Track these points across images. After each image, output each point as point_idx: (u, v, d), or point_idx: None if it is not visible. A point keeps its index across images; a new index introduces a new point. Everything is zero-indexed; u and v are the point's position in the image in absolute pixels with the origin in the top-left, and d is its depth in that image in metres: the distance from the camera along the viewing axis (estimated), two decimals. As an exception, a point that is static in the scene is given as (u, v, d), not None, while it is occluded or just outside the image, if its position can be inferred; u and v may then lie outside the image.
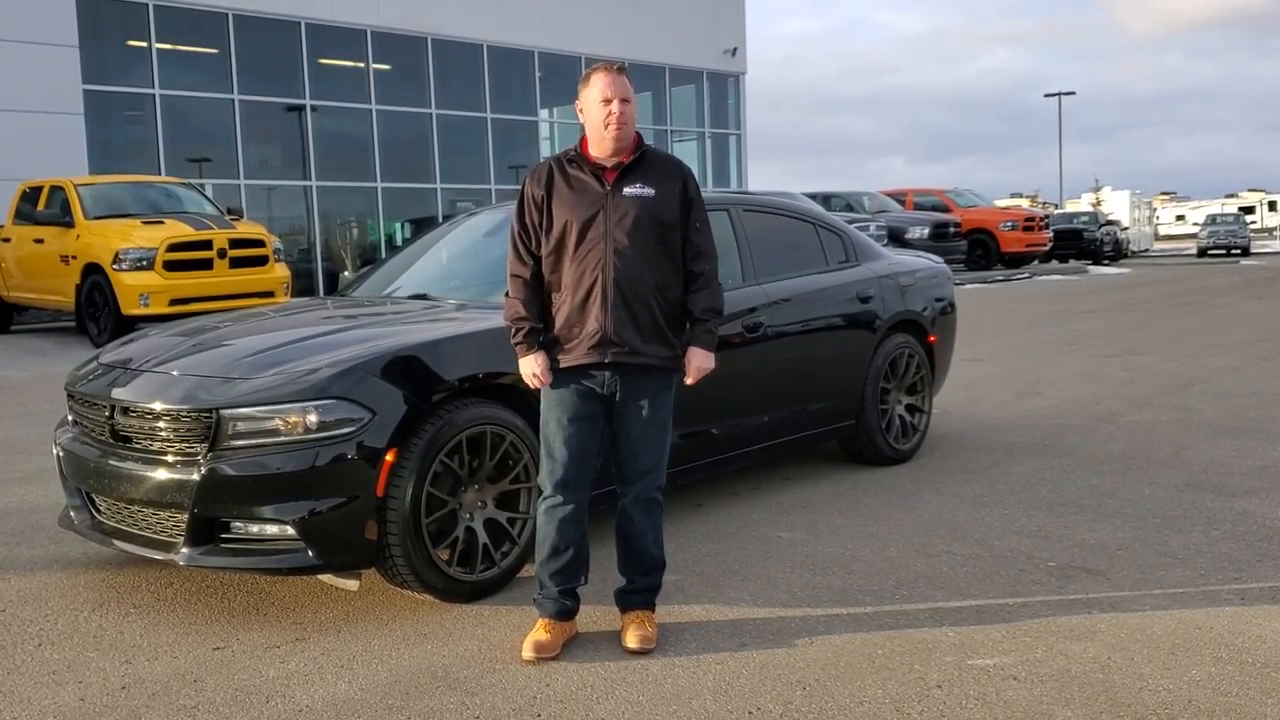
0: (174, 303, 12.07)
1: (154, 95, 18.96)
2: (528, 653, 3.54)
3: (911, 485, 5.75)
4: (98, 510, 4.27)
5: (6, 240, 14.14)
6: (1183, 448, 6.51)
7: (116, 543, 4.12)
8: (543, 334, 3.60)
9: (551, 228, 3.57)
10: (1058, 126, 69.32)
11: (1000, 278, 24.33)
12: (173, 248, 12.40)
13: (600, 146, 3.58)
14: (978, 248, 25.93)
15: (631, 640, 3.62)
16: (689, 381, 3.66)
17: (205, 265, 12.65)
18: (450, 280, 5.34)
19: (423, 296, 5.10)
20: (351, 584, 4.00)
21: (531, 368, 3.59)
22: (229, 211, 14.36)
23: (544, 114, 26.54)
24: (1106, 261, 32.99)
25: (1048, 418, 7.57)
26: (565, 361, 3.56)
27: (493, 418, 4.09)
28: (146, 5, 18.74)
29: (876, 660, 3.50)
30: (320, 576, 4.08)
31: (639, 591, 3.76)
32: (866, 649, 3.59)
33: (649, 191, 3.55)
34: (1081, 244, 32.73)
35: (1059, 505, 5.29)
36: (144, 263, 12.25)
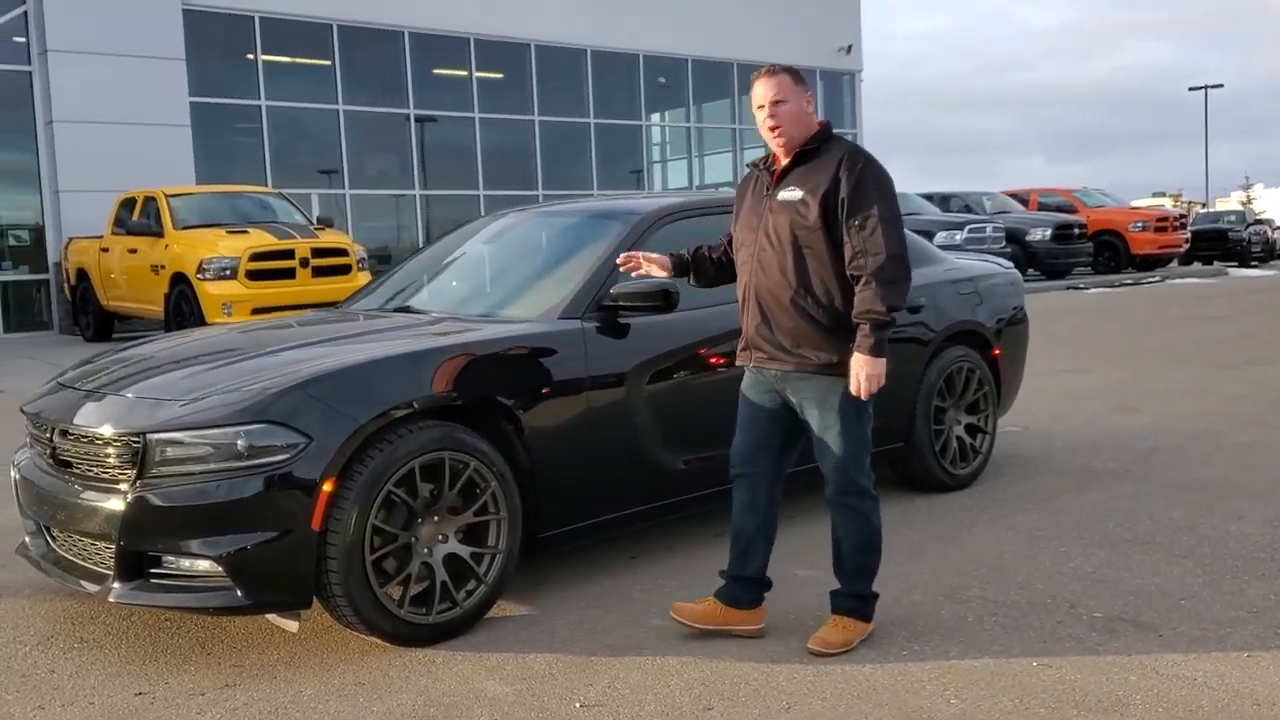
0: (256, 311, 12.05)
1: (260, 106, 19.28)
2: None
3: (963, 515, 5.17)
4: (53, 538, 4.03)
5: (106, 250, 14.45)
6: (1287, 475, 5.75)
7: (61, 574, 3.86)
8: (688, 264, 3.95)
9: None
10: (1204, 121, 66.18)
11: (1128, 281, 23.00)
12: (255, 257, 12.44)
13: (774, 151, 3.63)
14: (1105, 249, 24.55)
15: (812, 640, 3.59)
16: (854, 391, 3.45)
17: (288, 274, 12.66)
18: (440, 292, 4.99)
19: (406, 309, 4.75)
20: (291, 625, 3.66)
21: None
22: (319, 221, 14.39)
23: (655, 118, 26.20)
24: (1255, 263, 30.99)
25: (1139, 437, 6.84)
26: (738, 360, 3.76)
27: (452, 443, 3.71)
28: (253, 18, 19.06)
29: (855, 734, 3.00)
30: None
31: (840, 595, 3.70)
32: (850, 718, 3.09)
33: (796, 195, 3.52)
34: (1227, 245, 30.75)
35: (1125, 542, 4.65)
36: (227, 272, 12.32)
